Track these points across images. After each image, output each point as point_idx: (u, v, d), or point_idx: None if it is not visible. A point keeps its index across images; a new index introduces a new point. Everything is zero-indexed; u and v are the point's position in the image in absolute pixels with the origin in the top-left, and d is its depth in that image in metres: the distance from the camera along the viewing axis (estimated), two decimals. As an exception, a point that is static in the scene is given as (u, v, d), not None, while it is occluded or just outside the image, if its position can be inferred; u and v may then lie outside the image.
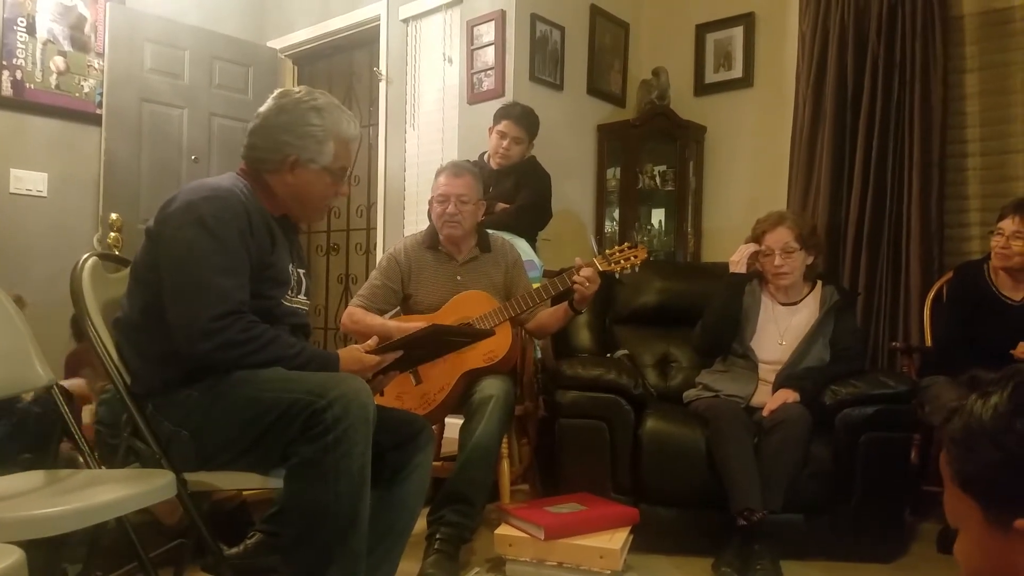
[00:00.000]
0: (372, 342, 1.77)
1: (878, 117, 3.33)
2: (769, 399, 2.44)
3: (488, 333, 2.21)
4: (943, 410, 0.73)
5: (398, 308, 2.64)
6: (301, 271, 1.81)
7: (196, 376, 1.57)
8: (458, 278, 2.56)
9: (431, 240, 2.60)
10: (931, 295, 3.05)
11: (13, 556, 1.06)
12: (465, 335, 2.14)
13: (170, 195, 1.65)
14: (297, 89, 1.75)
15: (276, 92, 1.75)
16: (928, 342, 2.98)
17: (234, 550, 2.07)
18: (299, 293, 1.79)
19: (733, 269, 2.67)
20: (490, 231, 2.72)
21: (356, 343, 1.88)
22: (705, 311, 2.72)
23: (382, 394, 2.28)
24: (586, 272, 2.35)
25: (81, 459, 1.70)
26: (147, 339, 1.62)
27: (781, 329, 2.62)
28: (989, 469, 0.68)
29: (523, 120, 3.13)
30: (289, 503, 1.53)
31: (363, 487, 1.51)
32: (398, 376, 1.94)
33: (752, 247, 2.67)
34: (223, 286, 1.54)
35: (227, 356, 1.54)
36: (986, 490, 0.69)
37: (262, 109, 1.72)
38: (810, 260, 2.64)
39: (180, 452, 1.60)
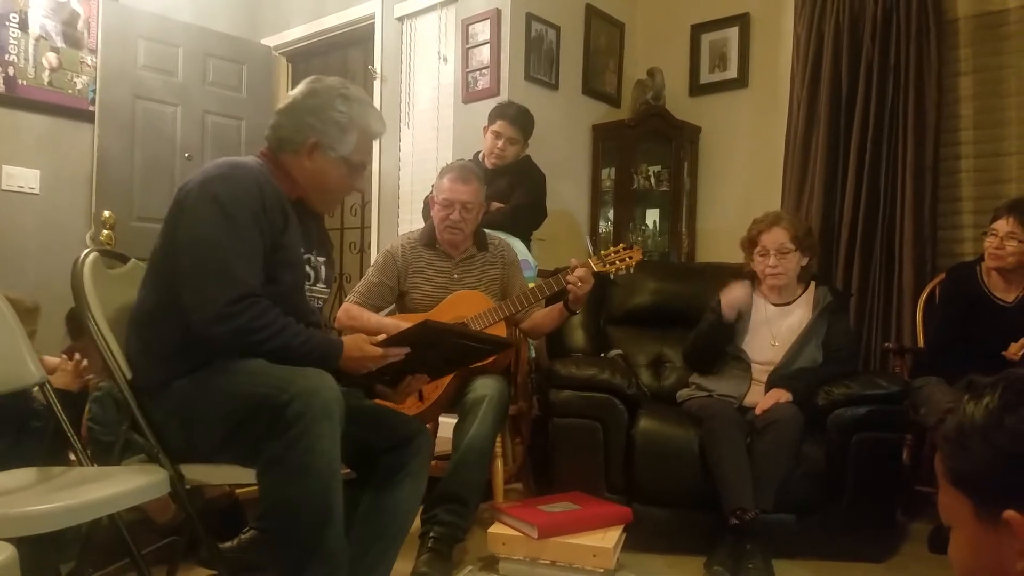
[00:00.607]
0: (381, 337, 1.74)
1: (872, 119, 3.34)
2: (761, 398, 2.45)
3: (506, 344, 2.10)
4: (938, 412, 0.76)
5: (393, 306, 2.63)
6: (320, 259, 1.80)
7: (191, 367, 1.58)
8: (454, 276, 2.56)
9: (428, 238, 2.60)
10: (924, 296, 3.06)
11: (5, 553, 1.06)
12: (479, 340, 2.04)
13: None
14: (333, 78, 1.75)
15: (310, 77, 1.75)
16: (921, 343, 3.00)
17: (228, 544, 2.07)
18: (318, 281, 1.79)
19: (727, 315, 2.57)
20: (487, 230, 2.73)
21: None
22: (693, 336, 2.68)
23: (420, 397, 2.28)
24: (579, 273, 2.35)
25: (74, 456, 1.69)
26: (156, 336, 1.62)
27: (774, 330, 2.62)
28: (980, 465, 0.70)
29: (518, 120, 3.13)
30: (263, 501, 1.52)
31: (333, 482, 1.48)
32: (422, 381, 1.89)
33: (745, 289, 2.59)
34: (238, 270, 1.54)
35: (238, 342, 1.54)
36: (977, 486, 0.71)
37: (293, 91, 1.74)
38: (804, 261, 2.64)
39: (170, 441, 1.60)
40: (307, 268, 1.75)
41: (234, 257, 1.54)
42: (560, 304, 2.47)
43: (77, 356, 2.12)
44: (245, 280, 1.54)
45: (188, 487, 1.62)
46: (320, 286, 1.80)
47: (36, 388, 1.71)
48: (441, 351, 1.85)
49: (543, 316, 2.53)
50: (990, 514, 0.69)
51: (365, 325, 2.34)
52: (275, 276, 1.63)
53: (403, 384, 1.83)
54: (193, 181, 1.61)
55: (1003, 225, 2.56)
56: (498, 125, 3.12)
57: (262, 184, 1.62)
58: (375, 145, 4.11)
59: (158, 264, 1.64)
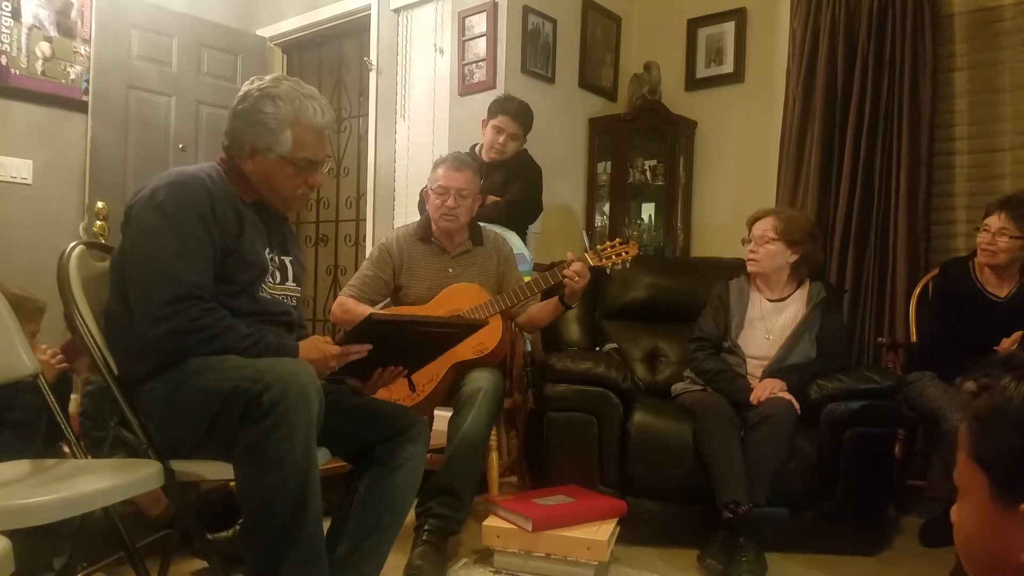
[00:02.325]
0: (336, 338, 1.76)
1: (867, 114, 3.34)
2: (757, 387, 2.45)
3: (475, 325, 2.04)
4: (971, 383, 0.72)
5: (388, 299, 2.63)
6: (287, 259, 1.79)
7: (161, 368, 1.58)
8: (450, 270, 2.56)
9: (423, 232, 2.60)
10: (917, 292, 3.07)
11: (0, 544, 1.05)
12: (440, 325, 1.97)
13: None
14: (268, 77, 1.74)
15: (249, 80, 1.75)
16: (914, 338, 3.01)
17: (224, 534, 2.07)
18: (285, 280, 1.78)
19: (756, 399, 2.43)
20: (482, 224, 2.72)
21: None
22: (710, 376, 2.57)
23: (413, 389, 2.25)
24: (576, 267, 2.35)
25: (68, 449, 1.68)
26: (120, 339, 1.62)
27: (768, 325, 2.63)
28: (1008, 452, 0.67)
29: (520, 116, 3.11)
30: (239, 491, 1.51)
31: (310, 469, 1.47)
32: (397, 373, 1.87)
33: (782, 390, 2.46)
34: (176, 270, 1.54)
35: (177, 344, 1.54)
36: (999, 471, 0.68)
37: None
38: (792, 258, 2.63)
39: (153, 439, 1.60)
40: (273, 268, 1.74)
41: (174, 259, 1.55)
42: (556, 298, 2.48)
43: (52, 349, 2.11)
44: (184, 281, 1.54)
45: (180, 481, 1.61)
46: (290, 284, 1.80)
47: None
48: (406, 342, 1.82)
49: (539, 310, 2.53)
50: (1006, 500, 0.66)
51: (359, 318, 2.33)
52: (230, 276, 1.63)
53: (373, 379, 1.82)
54: (143, 191, 1.63)
55: (995, 221, 2.57)
56: (500, 120, 3.10)
57: (211, 189, 1.63)
58: (370, 139, 4.12)
59: (115, 276, 1.66)
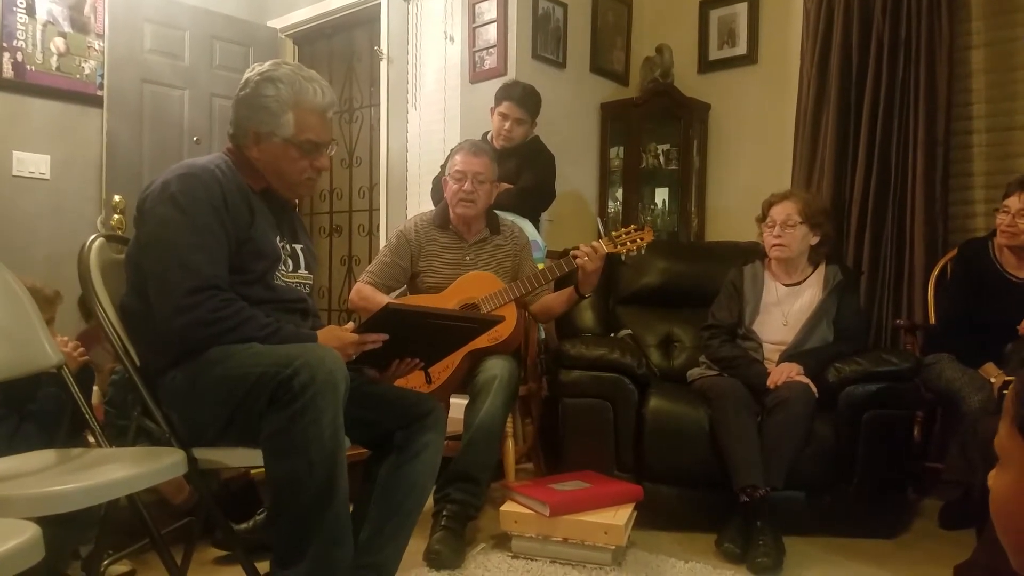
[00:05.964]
0: (350, 325, 1.77)
1: (883, 94, 3.30)
2: (773, 371, 2.44)
3: (492, 320, 2.02)
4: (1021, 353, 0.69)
5: (405, 286, 2.64)
6: (297, 246, 1.81)
7: (181, 358, 1.59)
8: (467, 258, 2.57)
9: (441, 219, 2.61)
10: (935, 273, 3.04)
11: (29, 532, 1.08)
12: (458, 319, 1.97)
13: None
14: (268, 62, 1.74)
15: (250, 67, 1.76)
16: (932, 320, 2.99)
17: (243, 526, 2.10)
18: (298, 268, 1.80)
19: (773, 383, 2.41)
20: (498, 212, 2.72)
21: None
22: (726, 362, 2.55)
23: (428, 379, 2.26)
24: (586, 248, 2.35)
25: (92, 438, 1.71)
26: (142, 322, 1.64)
27: (785, 310, 2.62)
28: None
29: (525, 101, 3.11)
30: (267, 475, 1.52)
31: (337, 454, 1.48)
32: (414, 365, 1.88)
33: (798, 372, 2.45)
34: (194, 261, 1.56)
35: (198, 335, 1.55)
36: None
37: None
38: (814, 240, 2.62)
39: (176, 428, 1.62)
40: (285, 256, 1.75)
41: (191, 250, 1.56)
42: (571, 288, 2.48)
43: (74, 341, 2.14)
44: (202, 272, 1.56)
45: (203, 469, 1.64)
46: (302, 272, 1.81)
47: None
48: (422, 333, 1.83)
49: (553, 299, 2.54)
50: None
51: (376, 305, 2.35)
52: (245, 266, 1.65)
53: (390, 369, 1.84)
54: (154, 185, 1.64)
55: (1015, 202, 2.54)
56: (504, 106, 3.10)
57: (222, 180, 1.64)
58: (381, 128, 4.12)
59: (130, 269, 1.68)
